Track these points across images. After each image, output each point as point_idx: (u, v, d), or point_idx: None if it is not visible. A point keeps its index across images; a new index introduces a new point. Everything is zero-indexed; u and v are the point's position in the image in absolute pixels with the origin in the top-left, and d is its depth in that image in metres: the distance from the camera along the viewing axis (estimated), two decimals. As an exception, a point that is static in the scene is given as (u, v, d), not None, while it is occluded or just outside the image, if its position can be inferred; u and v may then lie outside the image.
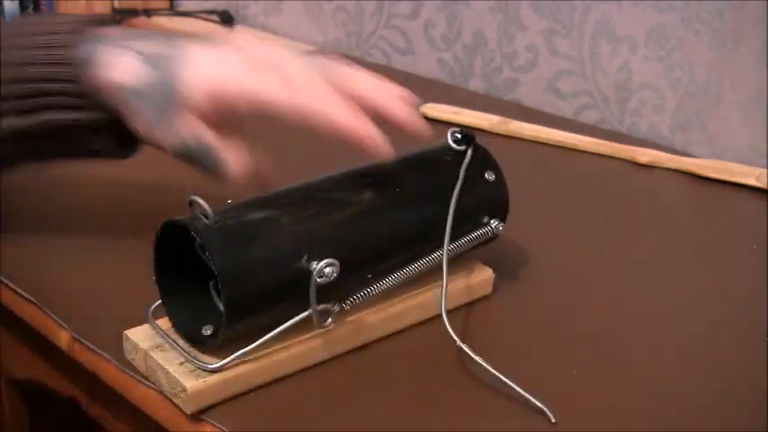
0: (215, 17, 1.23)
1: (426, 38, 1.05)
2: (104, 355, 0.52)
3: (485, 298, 0.58)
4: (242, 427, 0.46)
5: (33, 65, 0.53)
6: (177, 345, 0.47)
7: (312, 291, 0.46)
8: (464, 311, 0.56)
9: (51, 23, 0.55)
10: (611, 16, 0.89)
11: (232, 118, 0.52)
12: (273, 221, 0.47)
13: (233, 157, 0.51)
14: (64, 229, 0.64)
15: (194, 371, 0.46)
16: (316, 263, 0.46)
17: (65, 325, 0.54)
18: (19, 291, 0.57)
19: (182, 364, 0.46)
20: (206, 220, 0.45)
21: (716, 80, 0.83)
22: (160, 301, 0.49)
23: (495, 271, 0.61)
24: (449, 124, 0.88)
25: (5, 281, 0.58)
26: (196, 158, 0.52)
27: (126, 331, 0.49)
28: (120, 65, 0.52)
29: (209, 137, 0.51)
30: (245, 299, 0.45)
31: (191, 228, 0.44)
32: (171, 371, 0.46)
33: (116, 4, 1.26)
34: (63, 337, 0.54)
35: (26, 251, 0.61)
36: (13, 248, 0.61)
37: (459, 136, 0.57)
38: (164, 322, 0.49)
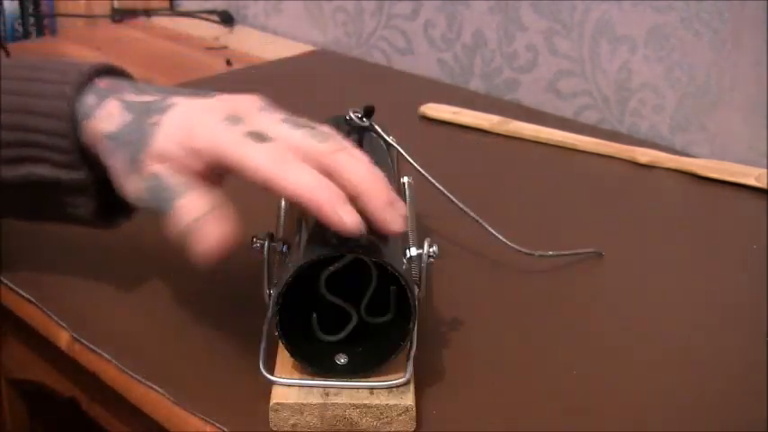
0: (215, 17, 1.23)
1: (426, 38, 1.05)
2: (104, 355, 0.52)
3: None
4: (243, 426, 0.46)
5: (23, 113, 0.51)
6: (345, 383, 0.46)
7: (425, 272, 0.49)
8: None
9: (52, 71, 0.52)
10: (611, 16, 0.89)
11: (206, 170, 0.47)
12: None
13: (192, 199, 0.46)
14: (64, 229, 0.64)
15: (385, 392, 0.45)
16: (426, 246, 0.48)
17: (65, 325, 0.55)
18: (19, 291, 0.57)
19: (372, 392, 0.45)
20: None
21: (716, 80, 0.83)
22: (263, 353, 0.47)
23: (493, 270, 0.61)
24: (449, 124, 0.88)
25: (6, 281, 0.58)
26: (155, 197, 0.48)
27: (274, 401, 0.45)
28: (106, 114, 0.50)
29: (170, 177, 0.47)
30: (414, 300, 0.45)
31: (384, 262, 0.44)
32: (377, 402, 0.45)
33: (116, 4, 1.26)
34: (63, 337, 0.54)
35: (26, 251, 0.61)
36: (13, 249, 0.61)
37: (359, 114, 0.59)
38: None
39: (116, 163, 0.49)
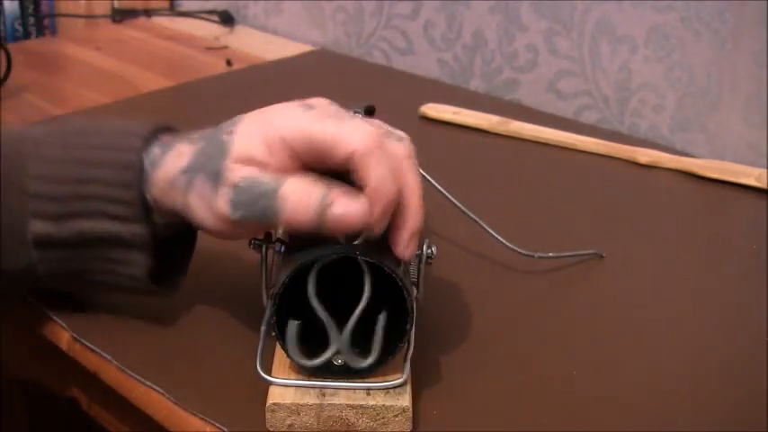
0: (215, 17, 1.23)
1: (426, 38, 1.05)
2: (104, 355, 0.52)
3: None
4: (243, 426, 0.46)
5: (79, 165, 0.50)
6: (341, 384, 0.46)
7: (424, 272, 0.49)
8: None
9: (115, 126, 0.51)
10: (611, 16, 0.89)
11: (293, 163, 0.46)
12: None
13: (295, 182, 0.45)
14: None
15: (382, 392, 0.45)
16: (425, 247, 0.48)
17: (65, 325, 0.55)
18: (19, 291, 0.57)
19: (368, 393, 0.45)
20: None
21: (716, 80, 0.83)
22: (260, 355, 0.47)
23: (493, 271, 0.61)
24: (449, 124, 0.88)
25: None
26: (252, 198, 0.45)
27: (271, 402, 0.45)
28: (176, 155, 0.49)
29: (261, 175, 0.45)
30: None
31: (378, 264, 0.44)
32: (373, 403, 0.45)
33: (116, 4, 1.26)
34: (63, 337, 0.54)
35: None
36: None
37: (360, 114, 0.59)
38: None
39: (195, 191, 0.48)
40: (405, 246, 0.45)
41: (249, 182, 0.46)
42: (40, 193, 0.50)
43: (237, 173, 0.46)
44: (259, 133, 0.46)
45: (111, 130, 0.51)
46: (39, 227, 0.50)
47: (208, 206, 0.47)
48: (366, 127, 0.45)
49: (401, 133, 0.48)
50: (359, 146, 0.43)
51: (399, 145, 0.46)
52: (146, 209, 0.50)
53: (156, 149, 0.50)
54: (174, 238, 0.53)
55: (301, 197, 0.44)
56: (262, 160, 0.45)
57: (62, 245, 0.50)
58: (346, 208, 0.44)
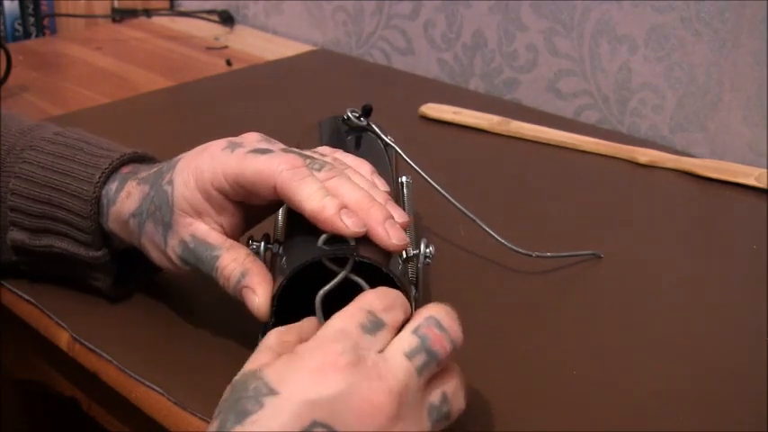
0: (215, 17, 1.23)
1: (426, 38, 1.05)
2: (104, 355, 0.52)
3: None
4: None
5: (52, 188, 0.53)
6: None
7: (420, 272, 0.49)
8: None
9: (87, 153, 0.54)
10: (611, 16, 0.89)
11: (234, 202, 0.49)
12: None
13: (229, 257, 0.48)
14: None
15: None
16: (423, 246, 0.49)
17: (65, 325, 0.55)
18: (19, 291, 0.57)
19: None
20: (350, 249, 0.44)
21: (716, 80, 0.83)
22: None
23: (491, 271, 0.61)
24: (449, 124, 0.88)
25: (5, 282, 0.58)
26: (195, 259, 0.49)
27: None
28: (125, 195, 0.52)
29: (207, 235, 0.49)
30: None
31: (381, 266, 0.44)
32: None
33: (116, 4, 1.26)
34: (63, 337, 0.54)
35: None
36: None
37: (357, 114, 0.60)
38: None
39: (147, 237, 0.51)
40: (385, 236, 0.45)
41: (196, 242, 0.49)
42: (17, 207, 0.54)
43: (185, 229, 0.49)
44: (193, 181, 0.49)
45: (83, 158, 0.54)
46: (16, 235, 0.55)
47: (160, 251, 0.51)
48: (282, 157, 0.47)
49: (326, 159, 0.49)
50: (277, 177, 0.46)
51: (320, 174, 0.47)
52: (105, 235, 0.54)
53: (113, 185, 0.53)
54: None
55: (226, 276, 0.48)
56: (202, 209, 0.49)
57: (36, 254, 0.55)
58: (246, 298, 0.47)
